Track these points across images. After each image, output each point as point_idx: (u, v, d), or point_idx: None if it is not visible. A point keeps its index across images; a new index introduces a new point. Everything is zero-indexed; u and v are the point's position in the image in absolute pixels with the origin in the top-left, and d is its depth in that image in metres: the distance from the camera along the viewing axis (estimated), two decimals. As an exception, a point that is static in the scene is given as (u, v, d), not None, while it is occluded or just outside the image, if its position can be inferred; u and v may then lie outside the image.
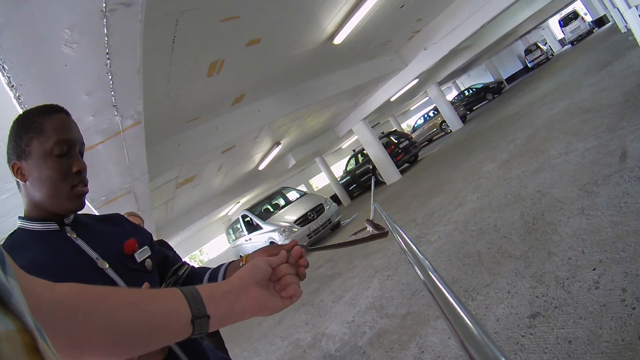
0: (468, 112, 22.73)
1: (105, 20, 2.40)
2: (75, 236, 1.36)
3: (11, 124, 1.35)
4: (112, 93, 3.25)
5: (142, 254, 1.47)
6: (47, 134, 1.27)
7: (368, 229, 2.03)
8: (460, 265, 4.37)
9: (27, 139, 1.28)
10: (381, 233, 1.42)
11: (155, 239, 1.77)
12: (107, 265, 1.34)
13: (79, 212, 1.43)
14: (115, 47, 2.71)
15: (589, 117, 6.37)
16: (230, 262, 1.58)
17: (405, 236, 1.43)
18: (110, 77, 3.01)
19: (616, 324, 2.31)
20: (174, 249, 4.22)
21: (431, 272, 0.99)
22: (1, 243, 1.21)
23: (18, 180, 1.34)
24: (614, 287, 2.61)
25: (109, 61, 2.82)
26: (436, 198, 8.13)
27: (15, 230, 1.37)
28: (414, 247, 1.25)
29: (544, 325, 2.69)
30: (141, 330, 0.78)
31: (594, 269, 2.89)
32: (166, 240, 4.40)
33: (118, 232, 1.50)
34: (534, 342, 2.60)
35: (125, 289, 0.88)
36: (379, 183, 17.71)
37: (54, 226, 1.35)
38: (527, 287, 3.21)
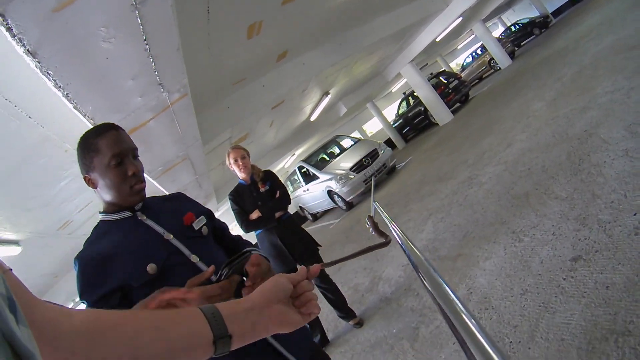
0: (516, 48, 21.79)
1: (137, 12, 2.54)
2: (145, 218, 1.76)
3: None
4: (156, 73, 3.42)
5: (198, 223, 1.85)
6: (103, 152, 1.64)
7: (369, 227, 2.12)
8: (509, 207, 4.42)
9: (89, 157, 1.68)
10: (383, 243, 1.55)
11: (211, 208, 2.10)
12: (172, 237, 1.73)
13: (148, 197, 1.86)
14: (151, 33, 2.85)
15: (633, 55, 6.11)
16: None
17: (404, 236, 1.51)
18: (151, 60, 3.17)
19: (654, 271, 2.35)
20: (279, 178, 4.49)
21: (430, 269, 1.09)
22: (87, 236, 1.75)
23: (91, 188, 1.76)
24: (654, 233, 2.62)
25: (147, 46, 2.97)
26: (487, 138, 8.07)
27: (97, 224, 1.80)
28: (412, 246, 1.33)
29: (584, 269, 2.74)
30: (162, 354, 0.78)
31: (635, 214, 2.89)
32: (273, 172, 4.69)
33: (178, 208, 1.90)
34: (574, 285, 2.66)
35: (145, 313, 0.86)
36: (432, 125, 17.50)
37: (127, 214, 1.76)
38: (571, 230, 3.24)
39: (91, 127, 3.50)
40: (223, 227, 2.10)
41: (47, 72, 2.55)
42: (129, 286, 1.59)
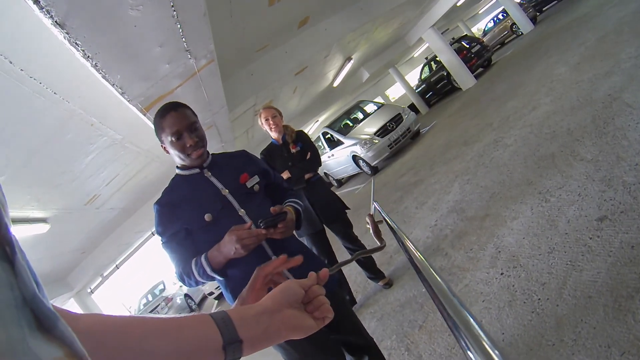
0: (538, 14, 21.16)
1: (164, -21, 2.56)
2: (210, 175, 2.17)
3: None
4: (183, 40, 3.45)
5: (251, 182, 2.23)
6: (166, 131, 2.03)
7: (371, 232, 2.17)
8: (535, 168, 4.42)
9: (159, 134, 2.10)
10: (379, 247, 1.63)
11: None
12: (227, 192, 2.13)
13: (215, 153, 2.33)
14: (178, -1, 2.88)
15: None
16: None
17: (404, 235, 1.54)
18: (179, 26, 3.20)
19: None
20: (310, 139, 4.48)
21: (430, 267, 1.10)
22: (166, 186, 2.20)
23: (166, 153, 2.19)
24: (678, 195, 2.62)
25: (175, 12, 3.00)
26: (511, 102, 7.98)
27: (174, 177, 2.23)
28: (410, 245, 1.36)
29: (610, 228, 2.76)
30: (170, 359, 0.79)
31: (659, 177, 2.89)
32: (305, 133, 4.65)
33: (238, 166, 2.28)
34: (600, 244, 2.69)
35: (153, 318, 0.84)
36: (455, 89, 17.27)
37: (196, 171, 2.18)
38: (597, 191, 3.26)
39: (119, 96, 3.58)
40: (277, 182, 2.46)
41: (76, 43, 2.59)
42: (191, 228, 2.07)
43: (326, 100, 17.14)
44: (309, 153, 4.46)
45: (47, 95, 3.60)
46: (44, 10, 2.17)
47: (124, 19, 2.69)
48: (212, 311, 0.88)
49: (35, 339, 0.42)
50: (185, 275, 2.02)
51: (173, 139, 2.02)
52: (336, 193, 4.71)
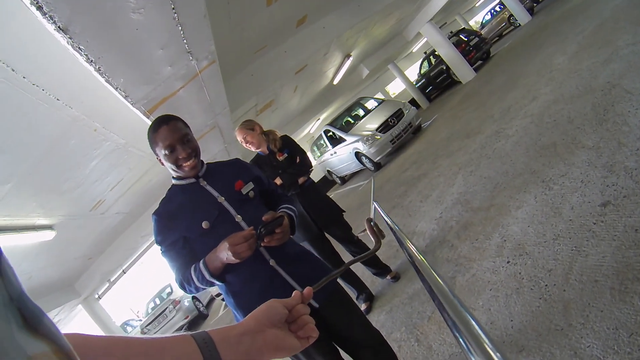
0: (535, 4, 21.12)
1: (164, -18, 2.59)
2: (205, 184, 2.22)
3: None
4: (185, 41, 3.48)
5: (246, 189, 2.27)
6: (159, 145, 2.09)
7: (368, 232, 2.18)
8: (538, 157, 4.44)
9: (153, 148, 2.15)
10: (372, 251, 1.66)
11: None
12: (223, 199, 2.17)
13: (209, 162, 2.37)
14: (179, 1, 2.91)
15: None
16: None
17: (404, 237, 1.55)
18: (180, 28, 3.23)
19: (678, 212, 2.37)
20: (297, 143, 4.50)
21: (430, 267, 1.12)
22: (163, 197, 2.25)
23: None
24: (679, 179, 2.64)
25: (176, 15, 3.03)
26: (511, 93, 7.99)
27: (170, 187, 2.28)
28: (411, 247, 1.37)
29: (614, 213, 2.78)
30: None
31: (661, 160, 2.92)
32: (291, 137, 4.61)
33: (232, 173, 2.33)
34: (604, 229, 2.71)
35: (136, 339, 0.83)
36: (455, 83, 17.27)
37: (192, 180, 2.23)
38: (599, 177, 3.28)
39: (122, 99, 3.61)
40: (271, 189, 2.51)
41: (79, 48, 2.63)
42: (189, 236, 2.13)
43: (327, 98, 17.16)
44: (298, 157, 4.42)
45: (50, 102, 3.63)
46: (47, 16, 2.20)
47: (126, 22, 2.72)
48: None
49: (23, 335, 0.42)
50: (185, 282, 2.08)
51: (166, 152, 2.08)
52: (339, 191, 4.70)
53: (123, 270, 14.65)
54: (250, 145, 4.20)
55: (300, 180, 4.38)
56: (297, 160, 4.41)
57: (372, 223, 2.18)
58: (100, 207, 7.11)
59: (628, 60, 4.92)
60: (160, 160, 2.18)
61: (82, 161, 5.26)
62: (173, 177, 2.27)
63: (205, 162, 2.32)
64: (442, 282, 0.99)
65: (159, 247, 2.19)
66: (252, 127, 4.19)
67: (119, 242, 10.33)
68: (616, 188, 3.00)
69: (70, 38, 2.48)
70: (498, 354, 0.65)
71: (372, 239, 2.03)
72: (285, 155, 4.34)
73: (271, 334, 0.93)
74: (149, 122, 4.28)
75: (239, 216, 2.15)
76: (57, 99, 3.72)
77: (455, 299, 0.87)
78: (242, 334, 0.90)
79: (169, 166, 2.15)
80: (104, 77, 3.13)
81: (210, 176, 2.27)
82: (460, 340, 0.75)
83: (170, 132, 2.08)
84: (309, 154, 20.15)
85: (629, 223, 2.59)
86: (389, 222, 2.05)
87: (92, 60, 2.84)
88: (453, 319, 0.80)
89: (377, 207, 2.57)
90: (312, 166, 4.63)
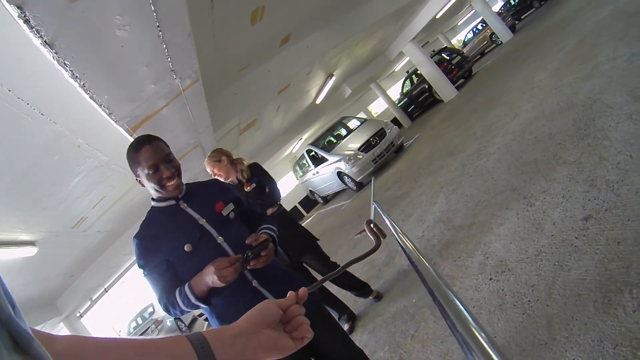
0: (517, 22, 21.47)
1: None
2: (185, 206, 2.21)
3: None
4: (169, 60, 3.49)
5: (226, 210, 2.27)
6: (142, 164, 2.07)
7: (367, 232, 2.20)
8: (519, 174, 4.49)
9: (134, 168, 2.12)
10: (374, 248, 1.66)
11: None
12: (204, 221, 2.16)
13: (188, 183, 2.34)
14: (164, 19, 2.92)
15: (633, 22, 6.13)
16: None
17: (405, 239, 1.57)
18: (164, 46, 3.24)
19: (661, 224, 2.41)
20: (267, 172, 4.47)
21: (430, 268, 1.12)
22: (143, 219, 2.23)
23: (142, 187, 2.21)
24: (659, 190, 2.70)
25: (161, 33, 3.04)
26: (493, 110, 8.09)
27: (150, 209, 2.25)
28: (412, 247, 1.38)
29: (596, 227, 2.82)
30: None
31: (642, 173, 2.97)
32: (259, 164, 4.58)
33: (212, 195, 2.33)
34: (587, 243, 2.74)
35: (130, 340, 0.85)
36: (437, 101, 17.43)
37: (172, 202, 2.21)
38: (580, 191, 3.33)
39: (106, 117, 3.60)
40: (250, 209, 2.51)
41: (64, 63, 2.62)
42: (172, 259, 2.11)
43: (310, 118, 17.21)
44: (267, 187, 4.40)
45: (34, 116, 3.60)
46: (34, 30, 2.20)
47: (111, 39, 2.72)
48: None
49: (13, 359, 0.43)
50: (170, 306, 2.06)
51: (150, 171, 2.07)
52: (322, 210, 4.69)
53: (105, 289, 14.49)
54: (218, 177, 4.21)
55: (269, 211, 4.36)
56: (267, 190, 4.38)
57: (372, 225, 2.21)
58: (82, 224, 7.02)
59: (609, 75, 5.01)
60: (140, 181, 2.17)
61: (65, 177, 5.21)
62: (153, 199, 2.25)
63: (184, 183, 2.31)
64: (442, 283, 1.00)
65: (142, 270, 2.18)
66: (219, 158, 4.21)
67: (101, 260, 10.20)
68: (598, 202, 3.05)
69: (56, 53, 2.48)
70: (497, 354, 0.65)
71: (372, 238, 2.05)
72: (254, 185, 4.32)
73: (265, 334, 0.93)
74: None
75: (220, 237, 2.16)
76: (42, 114, 3.68)
77: (455, 298, 0.88)
78: (236, 335, 0.91)
79: (151, 186, 2.14)
80: (88, 93, 3.12)
81: (190, 198, 2.27)
82: (461, 343, 0.75)
83: (153, 152, 2.08)
84: (292, 174, 20.32)
85: (611, 236, 2.63)
86: (388, 222, 2.08)
87: (77, 76, 2.83)
88: (452, 319, 0.81)
89: (377, 207, 2.59)
90: (281, 196, 4.61)
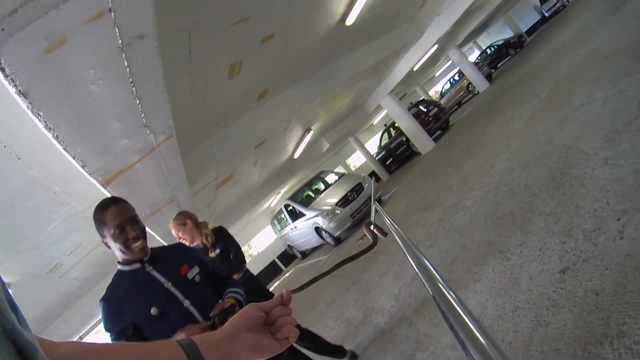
0: (493, 70, 22.15)
1: (124, 55, 2.62)
2: (151, 269, 2.24)
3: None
4: (142, 115, 3.48)
5: (192, 273, 2.33)
6: (108, 224, 2.10)
7: (366, 233, 2.21)
8: (495, 227, 4.49)
9: (100, 228, 2.15)
10: (370, 247, 1.66)
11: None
12: (170, 284, 2.21)
13: (153, 247, 2.36)
14: (137, 75, 2.93)
15: (607, 64, 6.30)
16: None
17: (406, 239, 1.55)
18: (137, 102, 3.24)
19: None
20: (231, 236, 4.42)
21: (434, 272, 1.13)
22: (110, 282, 2.29)
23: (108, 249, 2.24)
24: (637, 235, 2.68)
25: (134, 88, 3.04)
26: (469, 162, 8.17)
27: (116, 272, 2.29)
28: (414, 249, 1.37)
29: (573, 279, 2.79)
30: None
31: (619, 219, 2.96)
32: (224, 227, 4.59)
33: (178, 258, 2.39)
34: (564, 296, 2.71)
35: (127, 345, 0.95)
36: (415, 154, 17.62)
37: (138, 266, 2.24)
38: (557, 243, 3.31)
39: (80, 168, 3.57)
40: (215, 272, 2.57)
41: (38, 114, 2.61)
42: (138, 323, 2.13)
43: (287, 172, 17.25)
44: (231, 253, 4.39)
45: (11, 159, 3.59)
46: (8, 78, 2.20)
47: (85, 92, 2.72)
48: None
49: None
50: None
51: (116, 231, 2.11)
52: (300, 265, 4.63)
53: (80, 337, 14.06)
54: (183, 241, 4.20)
55: (235, 277, 4.31)
56: (231, 256, 4.38)
57: (371, 226, 2.22)
58: (58, 270, 6.89)
59: (583, 120, 5.09)
60: (106, 242, 2.20)
61: (40, 223, 5.20)
62: (119, 262, 2.28)
63: (149, 247, 2.34)
64: (442, 283, 1.04)
65: (108, 333, 2.18)
66: (184, 221, 4.22)
67: (77, 307, 9.96)
68: (575, 253, 3.03)
69: (30, 103, 2.47)
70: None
71: (370, 238, 2.03)
72: (218, 250, 4.32)
73: (246, 336, 0.97)
74: (107, 194, 4.24)
75: (187, 301, 2.21)
76: (18, 158, 3.66)
77: (455, 297, 0.90)
78: (220, 339, 0.96)
79: (116, 247, 2.16)
80: (61, 144, 3.08)
81: (155, 261, 2.31)
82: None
83: (119, 212, 2.13)
84: (270, 228, 20.15)
85: (589, 287, 2.60)
86: (388, 219, 2.07)
87: (50, 127, 2.81)
88: (452, 321, 0.82)
89: (377, 208, 2.59)
90: (245, 261, 4.59)
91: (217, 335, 0.97)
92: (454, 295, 0.91)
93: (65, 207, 5.16)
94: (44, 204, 4.81)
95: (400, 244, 1.59)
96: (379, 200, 13.55)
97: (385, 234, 2.11)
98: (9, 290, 0.54)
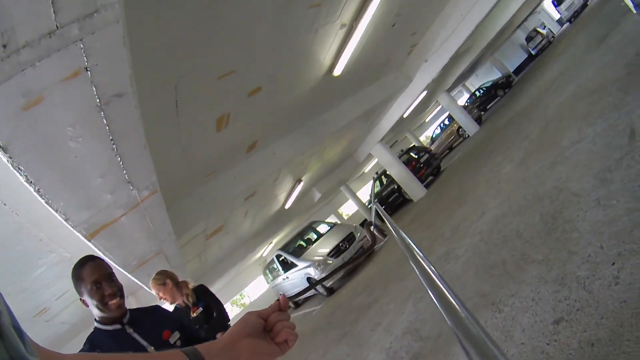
0: (482, 113, 22.39)
1: (102, 113, 2.62)
2: (132, 331, 2.26)
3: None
4: (124, 172, 3.45)
5: (173, 338, 2.41)
6: (85, 280, 2.14)
7: (367, 236, 2.25)
8: (487, 277, 4.42)
9: (77, 285, 2.19)
10: (370, 247, 1.64)
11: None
12: (153, 349, 2.23)
13: (131, 309, 2.40)
14: (117, 132, 2.91)
15: (595, 99, 6.35)
16: None
17: (408, 240, 1.55)
18: (119, 158, 3.21)
19: (636, 320, 2.33)
20: (213, 294, 4.35)
21: (436, 277, 1.20)
22: (87, 338, 2.29)
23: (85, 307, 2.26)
24: (633, 280, 2.63)
25: (114, 146, 3.02)
26: (461, 209, 8.14)
27: (94, 330, 2.29)
28: (416, 250, 1.36)
29: (568, 330, 2.73)
30: None
31: (613, 264, 2.90)
32: (206, 286, 4.50)
33: (158, 322, 2.46)
34: (559, 349, 2.64)
35: (133, 355, 0.99)
36: (407, 201, 17.62)
37: (117, 326, 2.25)
38: (550, 292, 3.24)
39: (63, 221, 3.54)
40: (193, 335, 2.69)
41: (19, 168, 2.58)
42: None
43: (279, 222, 17.17)
44: (214, 311, 4.33)
45: (-3, 205, 3.55)
46: (-13, 130, 2.18)
47: (65, 148, 2.69)
48: None
49: None
50: None
51: (93, 287, 2.16)
52: (293, 315, 4.53)
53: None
54: (164, 300, 4.19)
55: (219, 335, 4.20)
56: (214, 314, 4.32)
57: (372, 227, 2.25)
58: (45, 314, 6.78)
59: (574, 160, 5.06)
60: (84, 300, 2.24)
61: (27, 268, 5.16)
62: (96, 320, 2.30)
63: (127, 308, 2.38)
64: (444, 287, 1.11)
65: None
66: (164, 281, 4.21)
67: (65, 350, 9.74)
68: (569, 302, 2.96)
69: (10, 157, 2.44)
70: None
71: (369, 238, 2.02)
72: (200, 309, 4.26)
73: (245, 342, 1.00)
74: (92, 246, 4.19)
75: None
76: (4, 204, 3.65)
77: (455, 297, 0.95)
78: (222, 347, 0.99)
79: (93, 304, 2.19)
80: (43, 198, 3.05)
81: (136, 324, 2.35)
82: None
83: (96, 268, 2.19)
84: (262, 278, 19.95)
85: (584, 338, 2.53)
86: (388, 221, 2.22)
87: (31, 181, 2.78)
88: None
89: (377, 208, 2.59)
90: (229, 319, 4.52)
91: (219, 343, 1.00)
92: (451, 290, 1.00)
93: (52, 253, 5.15)
94: (30, 250, 4.80)
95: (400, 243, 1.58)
96: (372, 251, 13.47)
97: (385, 235, 2.15)
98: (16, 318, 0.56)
